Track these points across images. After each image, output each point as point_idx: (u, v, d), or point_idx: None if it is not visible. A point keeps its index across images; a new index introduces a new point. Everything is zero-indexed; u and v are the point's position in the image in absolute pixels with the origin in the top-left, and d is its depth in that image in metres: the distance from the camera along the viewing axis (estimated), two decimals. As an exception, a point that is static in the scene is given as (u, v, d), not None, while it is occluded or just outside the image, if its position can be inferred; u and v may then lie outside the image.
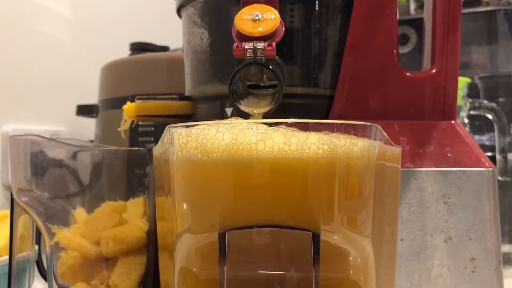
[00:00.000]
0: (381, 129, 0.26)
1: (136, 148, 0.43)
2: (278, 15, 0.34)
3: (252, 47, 0.34)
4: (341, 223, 0.24)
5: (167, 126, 0.25)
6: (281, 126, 0.23)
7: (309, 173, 0.23)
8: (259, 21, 0.34)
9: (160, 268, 0.31)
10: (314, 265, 0.22)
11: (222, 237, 0.23)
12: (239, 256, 0.23)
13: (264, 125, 0.23)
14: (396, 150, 0.29)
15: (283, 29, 0.35)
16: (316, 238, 0.23)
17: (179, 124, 0.24)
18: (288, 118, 0.39)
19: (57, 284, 0.39)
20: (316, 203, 0.23)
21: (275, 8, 0.35)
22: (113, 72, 0.70)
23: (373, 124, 0.25)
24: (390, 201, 0.29)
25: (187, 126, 0.24)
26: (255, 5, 0.35)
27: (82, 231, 0.38)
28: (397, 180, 0.30)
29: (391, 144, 0.28)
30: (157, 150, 0.30)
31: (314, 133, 0.23)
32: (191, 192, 0.24)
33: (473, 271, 0.38)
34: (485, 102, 0.67)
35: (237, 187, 0.23)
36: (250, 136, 0.23)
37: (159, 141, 0.28)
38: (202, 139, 0.23)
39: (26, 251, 0.43)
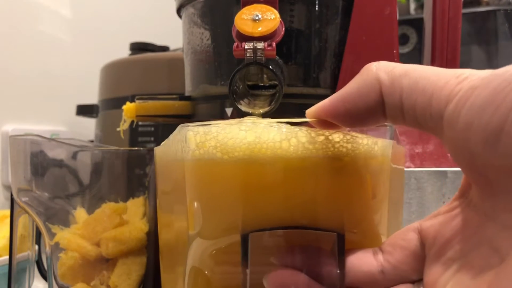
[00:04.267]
0: (396, 129, 0.26)
1: (136, 148, 0.43)
2: (278, 15, 0.34)
3: (252, 47, 0.34)
4: (364, 223, 0.24)
5: (179, 125, 0.24)
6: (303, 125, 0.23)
7: (334, 172, 0.22)
8: (259, 21, 0.34)
9: (161, 266, 0.31)
10: (339, 266, 0.22)
11: (244, 239, 0.22)
12: (262, 258, 0.23)
13: (286, 124, 0.23)
14: (401, 150, 0.28)
15: (283, 29, 0.35)
16: (340, 239, 0.22)
17: (194, 123, 0.23)
18: (288, 118, 0.39)
19: (57, 284, 0.39)
20: (341, 203, 0.23)
21: (275, 8, 0.35)
22: (113, 72, 0.70)
23: (389, 124, 0.25)
24: (395, 202, 0.29)
25: (204, 125, 0.23)
26: (255, 5, 0.35)
27: (82, 232, 0.38)
28: (402, 180, 0.29)
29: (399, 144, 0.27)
30: (160, 150, 0.29)
31: (337, 131, 0.23)
32: (207, 193, 0.23)
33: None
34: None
35: (260, 187, 0.22)
36: (274, 135, 0.22)
37: (165, 141, 0.27)
38: (223, 137, 0.22)
39: (26, 251, 0.43)
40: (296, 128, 0.22)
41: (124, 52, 0.76)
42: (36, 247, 0.45)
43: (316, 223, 0.22)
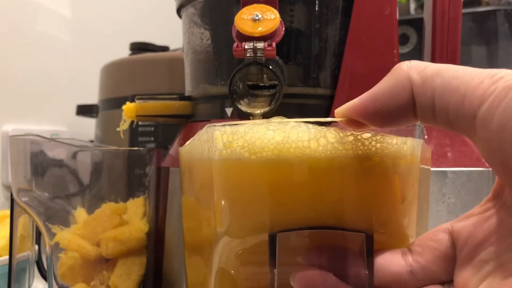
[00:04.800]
0: (424, 128, 0.25)
1: (136, 148, 0.43)
2: (278, 15, 0.34)
3: (252, 47, 0.34)
4: (392, 223, 0.23)
5: (206, 125, 0.24)
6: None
7: (363, 172, 0.22)
8: (259, 21, 0.34)
9: (187, 266, 0.30)
10: (367, 267, 0.22)
11: (272, 238, 0.22)
12: (289, 258, 0.22)
13: (314, 124, 0.22)
14: (428, 149, 0.28)
15: (283, 29, 0.35)
16: (369, 239, 0.22)
17: (221, 123, 0.23)
18: (288, 118, 0.39)
19: (57, 284, 0.39)
20: (370, 203, 0.22)
21: (275, 8, 0.35)
22: (113, 72, 0.70)
23: (417, 123, 0.25)
24: (422, 202, 0.28)
25: (231, 125, 0.23)
26: (255, 5, 0.35)
27: (82, 232, 0.38)
28: (429, 180, 0.29)
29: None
30: (186, 149, 0.29)
31: (366, 130, 0.22)
32: (235, 192, 0.23)
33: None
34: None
35: (288, 187, 0.22)
36: (302, 134, 0.22)
37: (190, 140, 0.27)
38: (250, 137, 0.22)
39: (26, 251, 0.42)
40: (325, 128, 0.22)
41: (124, 52, 0.76)
42: (36, 247, 0.45)
43: (344, 223, 0.22)
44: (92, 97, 0.75)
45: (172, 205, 0.42)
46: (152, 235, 0.41)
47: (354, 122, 0.22)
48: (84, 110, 0.74)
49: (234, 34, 0.35)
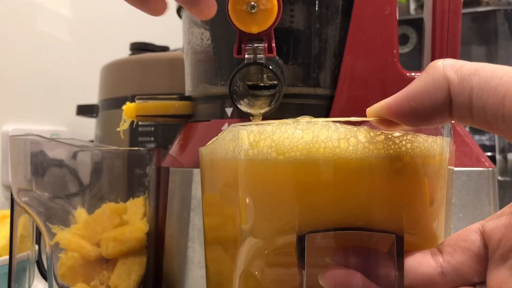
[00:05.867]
0: (452, 128, 0.25)
1: (136, 148, 0.43)
2: (275, 2, 0.33)
3: (252, 47, 0.34)
4: (421, 224, 0.23)
5: (231, 125, 0.24)
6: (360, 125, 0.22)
7: (394, 172, 0.22)
8: (255, 13, 0.33)
9: (208, 259, 0.30)
10: (398, 268, 0.22)
11: (301, 240, 0.21)
12: (317, 259, 0.22)
13: (343, 123, 0.22)
14: (453, 149, 0.27)
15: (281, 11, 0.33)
16: (399, 240, 0.22)
17: (246, 123, 0.23)
18: (288, 118, 0.39)
19: (57, 284, 0.39)
20: (400, 204, 0.22)
21: None
22: (113, 72, 0.70)
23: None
24: (449, 203, 0.28)
25: (258, 124, 0.22)
26: None
27: (82, 232, 0.38)
28: (452, 180, 0.29)
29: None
30: (207, 149, 0.28)
31: (397, 129, 0.22)
32: (261, 192, 0.23)
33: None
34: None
35: (317, 188, 0.22)
36: (332, 134, 0.21)
37: (212, 140, 0.27)
38: (278, 137, 0.22)
39: (26, 251, 0.43)
40: (354, 128, 0.22)
41: (124, 52, 0.77)
42: (36, 247, 0.45)
43: (373, 224, 0.22)
44: (92, 97, 0.75)
45: (172, 205, 0.42)
46: (152, 235, 0.41)
47: (386, 121, 0.22)
48: (84, 110, 0.74)
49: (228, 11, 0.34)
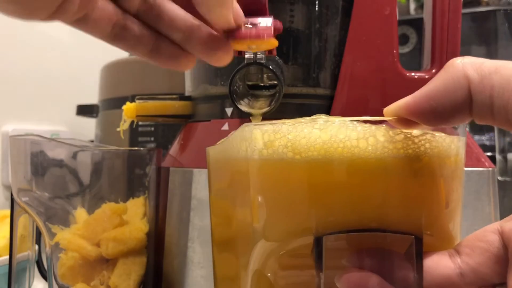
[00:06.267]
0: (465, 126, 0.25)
1: (136, 148, 0.43)
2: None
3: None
4: (438, 224, 0.23)
5: (243, 124, 0.23)
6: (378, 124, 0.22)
7: (413, 172, 0.21)
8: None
9: (215, 260, 0.29)
10: (417, 270, 0.21)
11: (318, 242, 0.21)
12: (334, 261, 0.22)
13: (361, 123, 0.21)
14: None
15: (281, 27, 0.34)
16: (418, 242, 0.21)
17: (258, 122, 0.23)
18: (288, 118, 0.39)
19: (57, 284, 0.39)
20: (419, 205, 0.22)
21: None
22: (113, 72, 0.70)
23: None
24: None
25: (272, 124, 0.22)
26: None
27: (82, 232, 0.38)
28: (463, 181, 0.29)
29: None
30: (215, 149, 0.28)
31: (415, 128, 0.22)
32: (275, 193, 0.22)
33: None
34: (485, 102, 0.67)
35: (335, 188, 0.21)
36: (350, 133, 0.21)
37: (222, 140, 0.26)
38: (294, 136, 0.21)
39: (26, 251, 0.43)
40: (373, 127, 0.21)
41: (124, 52, 0.76)
42: (36, 247, 0.45)
43: (391, 225, 0.21)
44: (92, 97, 0.75)
45: (172, 205, 0.42)
46: (152, 235, 0.41)
47: (405, 121, 0.21)
48: (84, 110, 0.74)
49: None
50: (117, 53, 0.72)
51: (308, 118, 0.23)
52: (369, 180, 0.21)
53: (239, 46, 0.30)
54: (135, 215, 0.40)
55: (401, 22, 0.76)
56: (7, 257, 0.41)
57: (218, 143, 0.27)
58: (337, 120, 0.22)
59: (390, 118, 0.22)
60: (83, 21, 0.26)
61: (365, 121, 0.21)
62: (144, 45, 0.29)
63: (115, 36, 0.29)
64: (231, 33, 0.29)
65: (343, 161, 0.21)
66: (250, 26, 0.30)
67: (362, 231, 0.21)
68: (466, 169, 0.39)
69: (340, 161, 0.21)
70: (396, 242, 0.22)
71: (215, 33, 0.29)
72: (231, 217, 0.26)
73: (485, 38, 0.77)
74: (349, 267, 0.22)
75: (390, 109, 0.22)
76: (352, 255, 0.22)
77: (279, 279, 0.23)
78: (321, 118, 0.22)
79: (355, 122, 0.21)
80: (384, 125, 0.21)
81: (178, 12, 0.28)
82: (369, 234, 0.21)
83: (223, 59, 0.30)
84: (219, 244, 0.29)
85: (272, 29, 0.30)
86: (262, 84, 0.38)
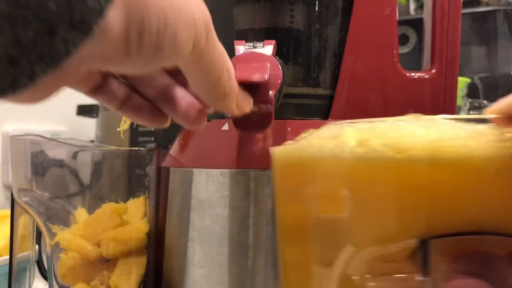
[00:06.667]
0: None
1: (136, 148, 0.43)
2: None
3: (251, 46, 0.34)
4: None
5: (328, 123, 0.23)
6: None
7: None
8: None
9: (283, 249, 0.28)
10: None
11: (424, 245, 0.20)
12: (439, 265, 0.21)
13: (464, 121, 0.21)
14: None
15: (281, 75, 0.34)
16: None
17: (349, 120, 0.22)
18: (288, 118, 0.39)
19: (58, 284, 0.39)
20: None
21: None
22: (113, 72, 0.70)
23: None
24: None
25: (367, 122, 0.21)
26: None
27: (82, 232, 0.38)
28: None
29: None
30: (285, 149, 0.27)
31: None
32: (372, 194, 0.21)
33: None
34: (485, 102, 0.67)
35: (441, 189, 0.20)
36: (458, 132, 0.20)
37: (297, 139, 0.25)
38: (396, 135, 0.20)
39: (27, 251, 0.43)
40: (480, 125, 0.20)
41: (124, 52, 0.76)
42: (37, 247, 0.45)
43: (503, 228, 0.20)
44: (92, 97, 0.75)
45: (172, 205, 0.42)
46: (152, 235, 0.41)
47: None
48: (85, 110, 0.74)
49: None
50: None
51: (402, 117, 0.22)
52: (476, 180, 0.20)
53: None
54: (135, 215, 0.40)
55: (401, 22, 0.76)
56: (7, 257, 0.41)
57: (286, 143, 0.26)
58: (438, 118, 0.21)
59: (498, 116, 0.21)
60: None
61: (469, 120, 0.21)
62: (119, 100, 0.29)
63: (93, 91, 0.29)
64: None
65: (450, 160, 0.20)
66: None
67: (471, 234, 0.20)
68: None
69: (447, 161, 0.20)
70: (499, 244, 0.21)
71: (200, 105, 0.29)
72: (305, 214, 0.25)
73: (485, 38, 0.77)
74: (454, 272, 0.21)
75: (498, 107, 0.21)
76: (455, 259, 0.21)
77: (368, 285, 0.22)
78: (423, 116, 0.21)
79: (459, 121, 0.21)
80: (490, 124, 0.21)
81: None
82: (475, 237, 0.20)
83: (199, 127, 0.30)
84: (287, 234, 0.28)
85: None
86: (262, 84, 0.38)
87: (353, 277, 0.22)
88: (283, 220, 0.28)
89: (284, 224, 0.28)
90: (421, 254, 0.20)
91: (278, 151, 0.28)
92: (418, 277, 0.20)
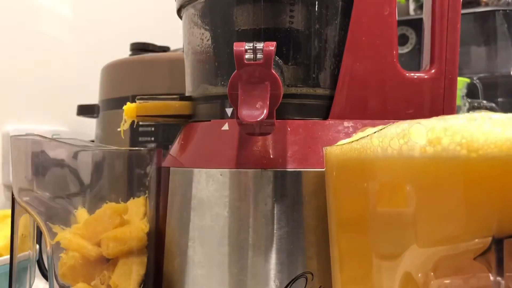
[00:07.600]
0: None
1: (136, 148, 0.44)
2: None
3: (252, 47, 0.34)
4: None
5: (392, 122, 0.22)
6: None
7: None
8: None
9: (338, 238, 0.28)
10: None
11: (498, 245, 0.20)
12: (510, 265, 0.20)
13: None
14: None
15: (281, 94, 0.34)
16: None
17: (416, 120, 0.22)
18: (287, 118, 0.39)
19: (58, 284, 0.39)
20: None
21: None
22: (113, 73, 0.70)
23: None
24: None
25: (438, 119, 0.21)
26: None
27: (82, 232, 0.38)
28: None
29: None
30: (340, 148, 0.27)
31: None
32: (444, 194, 0.21)
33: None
34: (484, 102, 0.67)
35: None
36: None
37: (350, 139, 0.25)
38: (471, 133, 0.20)
39: (27, 251, 0.43)
40: None
41: (124, 53, 0.77)
42: (37, 246, 0.45)
43: None
44: (93, 97, 0.75)
45: (173, 205, 0.42)
46: (153, 235, 0.41)
47: None
48: (85, 110, 0.74)
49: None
50: (117, 53, 0.73)
51: (473, 114, 0.21)
52: None
53: None
54: (135, 215, 0.41)
55: (401, 23, 0.76)
56: (8, 256, 0.41)
57: (341, 143, 0.26)
58: (506, 116, 0.21)
59: None
60: None
61: None
62: None
63: None
64: None
65: None
66: None
67: None
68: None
69: None
70: None
71: None
72: (365, 208, 0.25)
73: (484, 38, 0.77)
74: None
75: None
76: None
77: (432, 283, 0.22)
78: (496, 114, 0.21)
79: None
80: None
81: None
82: None
83: None
84: (344, 225, 0.28)
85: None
86: (262, 85, 0.38)
87: (419, 275, 0.22)
88: (340, 212, 0.28)
89: (341, 216, 0.28)
90: (495, 254, 0.20)
91: (333, 152, 0.27)
92: (490, 277, 0.20)
